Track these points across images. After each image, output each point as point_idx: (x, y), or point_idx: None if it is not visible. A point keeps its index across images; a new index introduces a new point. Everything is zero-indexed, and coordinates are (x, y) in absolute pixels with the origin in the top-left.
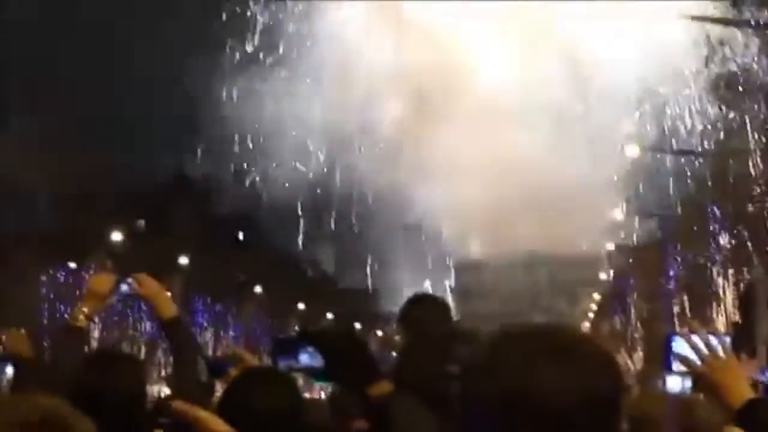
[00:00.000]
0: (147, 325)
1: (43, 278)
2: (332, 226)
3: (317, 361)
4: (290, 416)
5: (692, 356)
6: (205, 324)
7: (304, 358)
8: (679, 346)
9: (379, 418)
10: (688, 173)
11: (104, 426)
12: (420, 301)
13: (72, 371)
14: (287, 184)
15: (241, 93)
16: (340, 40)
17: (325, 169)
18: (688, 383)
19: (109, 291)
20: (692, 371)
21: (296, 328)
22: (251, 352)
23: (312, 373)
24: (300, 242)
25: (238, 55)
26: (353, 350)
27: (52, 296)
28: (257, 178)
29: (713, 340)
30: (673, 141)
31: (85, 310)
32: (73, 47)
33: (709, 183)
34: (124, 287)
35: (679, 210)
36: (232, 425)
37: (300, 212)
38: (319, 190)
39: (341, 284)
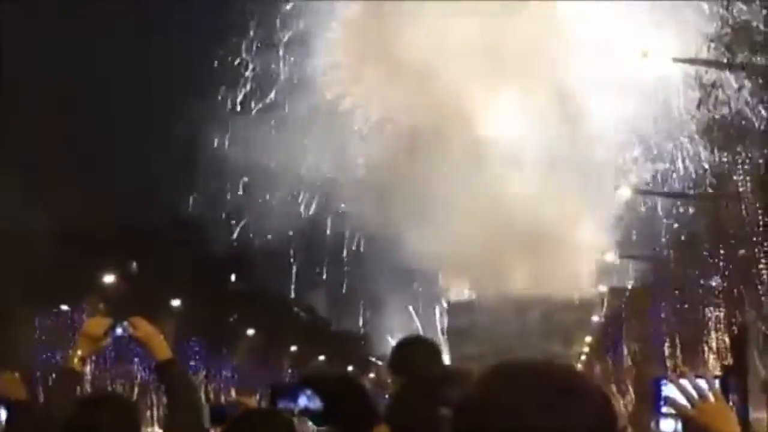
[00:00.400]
0: (139, 368)
1: (36, 320)
2: (324, 269)
3: (315, 404)
4: None
5: (681, 400)
6: (198, 367)
7: (303, 401)
8: (669, 389)
9: None
10: (680, 216)
11: None
12: (409, 343)
13: (65, 414)
14: (280, 228)
15: (234, 138)
16: (331, 84)
17: (316, 212)
18: (680, 426)
19: (103, 334)
20: (682, 414)
21: (289, 370)
22: (245, 394)
23: (310, 415)
24: (293, 286)
25: (230, 101)
26: (352, 394)
27: (43, 338)
28: (250, 223)
29: (702, 383)
30: (666, 184)
31: (80, 352)
32: (70, 83)
33: (701, 226)
34: (118, 330)
35: (671, 253)
36: None
37: (293, 256)
38: (311, 234)
39: (334, 328)
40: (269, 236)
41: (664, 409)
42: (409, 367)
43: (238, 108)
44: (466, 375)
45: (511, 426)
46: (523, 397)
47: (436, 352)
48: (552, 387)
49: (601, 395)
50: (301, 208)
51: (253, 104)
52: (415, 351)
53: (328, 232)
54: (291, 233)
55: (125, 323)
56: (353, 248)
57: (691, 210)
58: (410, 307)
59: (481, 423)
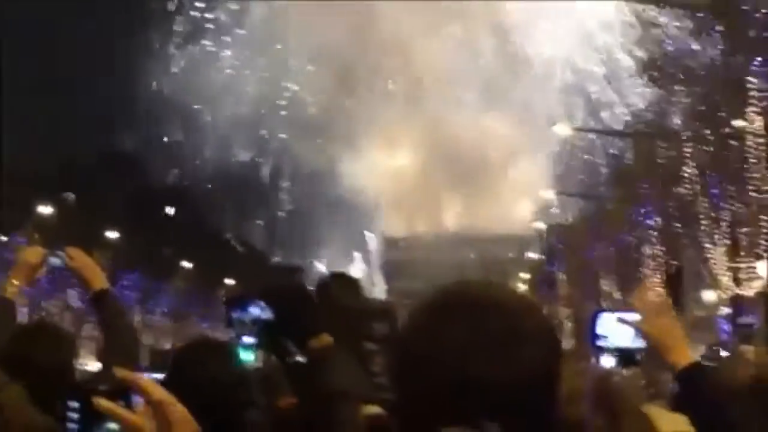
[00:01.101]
0: (75, 299)
1: None
2: (262, 202)
3: (266, 314)
4: (230, 387)
5: (620, 332)
6: (133, 299)
7: (255, 311)
8: (605, 323)
9: (317, 365)
10: (617, 154)
11: (32, 394)
12: (329, 278)
13: (1, 341)
14: (217, 162)
15: (172, 74)
16: (270, 17)
17: (253, 146)
18: (621, 361)
19: (38, 263)
20: (637, 328)
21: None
22: (179, 326)
23: (261, 326)
24: (230, 218)
25: (164, 39)
26: (302, 304)
27: None
28: (187, 157)
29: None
30: (604, 122)
31: (15, 281)
32: (7, 24)
33: (641, 164)
34: (54, 260)
35: (609, 191)
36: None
37: (229, 189)
38: (248, 169)
39: (270, 261)
40: (206, 170)
41: (599, 342)
42: (329, 301)
43: (173, 46)
44: (390, 310)
45: (444, 371)
46: (460, 340)
47: (356, 286)
48: (494, 329)
49: (551, 336)
50: (238, 143)
51: (192, 34)
52: (334, 285)
53: (266, 166)
54: (228, 167)
55: (61, 253)
56: (290, 182)
57: (629, 148)
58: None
59: (410, 366)
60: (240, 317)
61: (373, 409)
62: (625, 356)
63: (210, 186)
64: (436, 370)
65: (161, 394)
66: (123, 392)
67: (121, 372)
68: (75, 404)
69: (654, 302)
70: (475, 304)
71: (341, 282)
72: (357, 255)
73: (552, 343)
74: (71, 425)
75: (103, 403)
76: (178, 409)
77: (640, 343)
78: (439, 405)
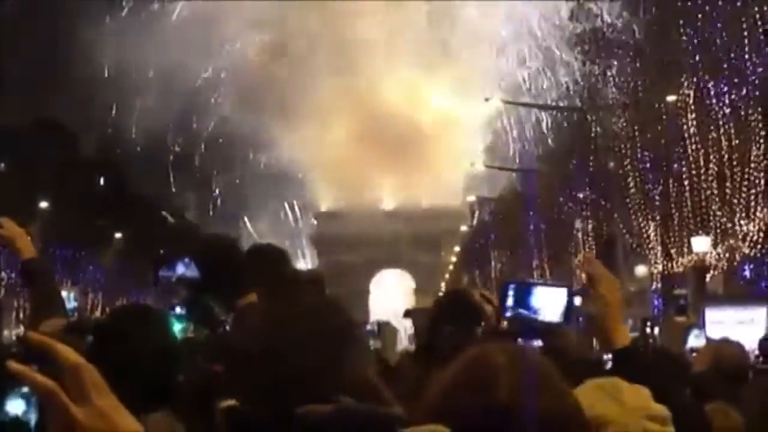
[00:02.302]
0: (4, 269)
1: None
2: (195, 173)
3: (192, 271)
4: (157, 353)
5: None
6: (64, 271)
7: (180, 269)
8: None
9: (239, 323)
10: (551, 128)
11: None
12: (255, 249)
13: None
14: (150, 129)
15: (102, 35)
16: None
17: (186, 115)
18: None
19: None
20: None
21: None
22: (111, 298)
23: (187, 283)
24: (162, 190)
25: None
26: (228, 261)
27: None
28: (119, 124)
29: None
30: (537, 95)
31: None
32: None
33: (573, 138)
34: None
35: (541, 165)
36: (105, 363)
37: (162, 158)
38: (181, 138)
39: (203, 232)
40: (137, 138)
41: (508, 313)
42: (259, 271)
43: (104, 11)
44: (319, 279)
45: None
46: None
47: (284, 256)
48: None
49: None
50: (171, 111)
51: (123, 4)
52: (264, 253)
53: (198, 137)
54: (161, 136)
55: None
56: (224, 153)
57: (561, 122)
58: (281, 214)
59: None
60: (166, 275)
61: (228, 403)
62: (529, 328)
63: (142, 157)
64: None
65: (76, 358)
66: (39, 357)
67: (33, 336)
68: None
69: (606, 276)
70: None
71: (267, 251)
72: (288, 228)
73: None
74: None
75: (13, 365)
76: (93, 374)
77: (556, 317)
78: (286, 389)
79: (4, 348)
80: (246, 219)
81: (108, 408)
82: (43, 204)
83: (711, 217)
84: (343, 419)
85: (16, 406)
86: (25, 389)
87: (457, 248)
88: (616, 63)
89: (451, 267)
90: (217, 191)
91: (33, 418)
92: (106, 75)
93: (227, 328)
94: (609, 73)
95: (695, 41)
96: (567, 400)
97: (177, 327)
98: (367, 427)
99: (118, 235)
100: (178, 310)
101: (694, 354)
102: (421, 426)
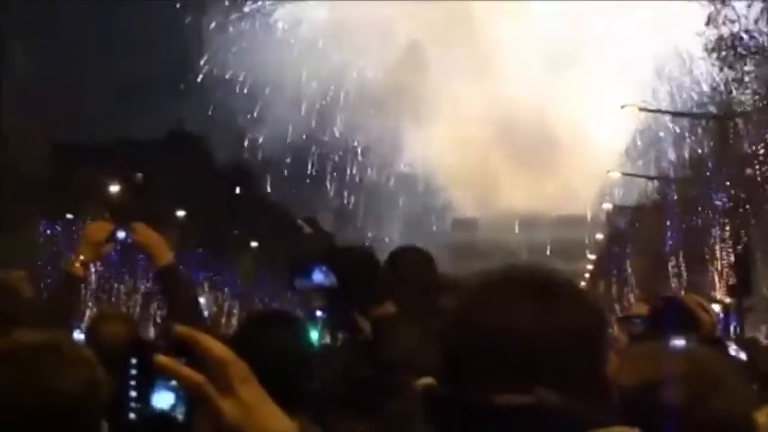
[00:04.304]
0: (143, 278)
1: (40, 228)
2: (328, 182)
3: (330, 280)
4: (298, 360)
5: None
6: (201, 277)
7: (318, 277)
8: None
9: (378, 333)
10: (688, 135)
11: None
12: (405, 251)
13: (66, 317)
14: (287, 139)
15: (236, 50)
16: None
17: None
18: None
19: (104, 238)
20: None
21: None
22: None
23: (324, 292)
24: (297, 198)
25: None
26: (364, 269)
27: (48, 245)
28: (255, 134)
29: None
30: (673, 102)
31: (82, 257)
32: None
33: (710, 145)
34: (120, 234)
35: (677, 171)
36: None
37: (297, 166)
38: (315, 147)
39: (337, 240)
40: (272, 147)
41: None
42: (398, 273)
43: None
44: (459, 286)
45: (497, 329)
46: (507, 301)
47: (428, 261)
48: (535, 289)
49: (584, 294)
50: (305, 120)
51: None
52: (406, 258)
53: (334, 143)
54: (295, 144)
55: (127, 228)
56: (358, 160)
57: (698, 129)
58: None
59: (468, 329)
60: (303, 283)
61: (427, 380)
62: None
63: (277, 165)
64: (484, 337)
65: (223, 351)
66: (185, 351)
67: (180, 328)
68: (133, 360)
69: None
70: (517, 278)
71: (413, 255)
72: (422, 234)
73: (590, 311)
74: (130, 382)
75: (161, 359)
76: (241, 368)
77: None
78: (489, 373)
79: (151, 343)
80: (381, 224)
81: (255, 401)
82: (180, 213)
83: None
84: (539, 413)
85: (164, 400)
86: (174, 383)
87: (592, 256)
88: (754, 68)
89: (587, 275)
90: (351, 198)
91: (181, 412)
92: (239, 87)
93: (368, 336)
94: (747, 79)
95: None
96: (739, 406)
97: (314, 334)
98: (561, 424)
99: (253, 243)
100: (318, 313)
101: None
102: (613, 428)
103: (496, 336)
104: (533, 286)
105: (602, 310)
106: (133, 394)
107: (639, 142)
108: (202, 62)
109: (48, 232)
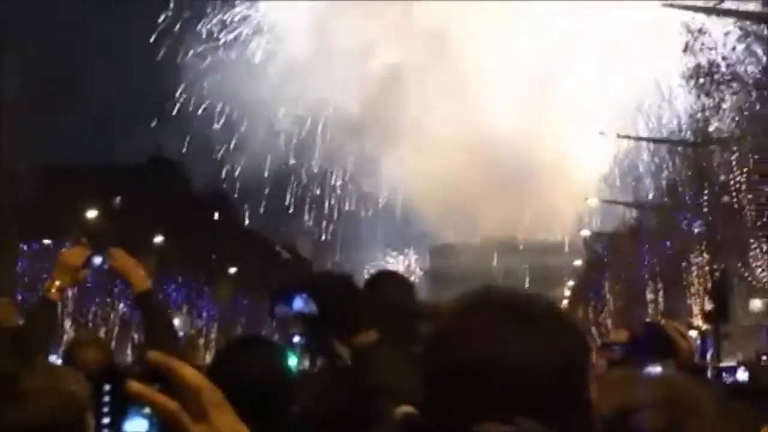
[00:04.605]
0: (120, 303)
1: (18, 253)
2: (306, 209)
3: (310, 308)
4: (277, 385)
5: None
6: (180, 301)
7: (298, 304)
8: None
9: (360, 361)
10: (664, 162)
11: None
12: (384, 277)
13: (42, 344)
14: (262, 165)
15: (213, 75)
16: (311, 18)
17: (297, 150)
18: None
19: (81, 264)
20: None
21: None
22: (225, 332)
23: (303, 320)
24: (274, 224)
25: (204, 35)
26: (346, 297)
27: (26, 271)
28: (232, 160)
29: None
30: (651, 128)
31: (58, 283)
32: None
33: (687, 172)
34: (97, 259)
35: (654, 198)
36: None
37: (274, 193)
38: (291, 172)
39: (316, 267)
40: (251, 173)
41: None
42: (378, 298)
43: (213, 45)
44: (436, 308)
45: (480, 356)
46: (479, 327)
47: (407, 286)
48: (520, 315)
49: (568, 320)
50: (283, 150)
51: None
52: (385, 283)
53: (308, 171)
54: (273, 171)
55: (104, 253)
56: (333, 187)
57: (675, 156)
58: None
59: (450, 354)
60: (284, 310)
61: (406, 408)
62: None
63: (255, 192)
64: (464, 365)
65: (197, 378)
66: (159, 377)
67: (154, 355)
68: (107, 387)
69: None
70: (497, 303)
71: (392, 281)
72: (399, 260)
73: (572, 336)
74: (103, 408)
75: (134, 385)
76: (215, 394)
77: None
78: (470, 401)
79: (125, 369)
80: (358, 251)
81: (229, 428)
82: (159, 238)
83: None
84: None
85: (137, 426)
86: (147, 409)
87: (571, 282)
88: (731, 96)
89: (565, 301)
90: (330, 227)
91: None
92: (218, 119)
93: (346, 362)
94: (724, 106)
95: None
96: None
97: (292, 359)
98: None
99: (231, 269)
100: (296, 339)
101: None
102: None
103: (476, 363)
104: (514, 311)
105: (584, 335)
106: (106, 420)
107: (617, 169)
108: (178, 92)
109: (25, 258)
